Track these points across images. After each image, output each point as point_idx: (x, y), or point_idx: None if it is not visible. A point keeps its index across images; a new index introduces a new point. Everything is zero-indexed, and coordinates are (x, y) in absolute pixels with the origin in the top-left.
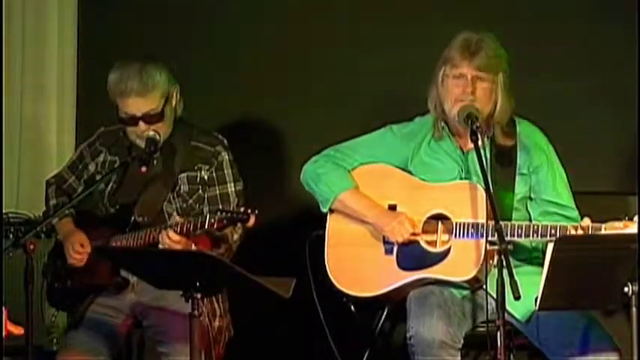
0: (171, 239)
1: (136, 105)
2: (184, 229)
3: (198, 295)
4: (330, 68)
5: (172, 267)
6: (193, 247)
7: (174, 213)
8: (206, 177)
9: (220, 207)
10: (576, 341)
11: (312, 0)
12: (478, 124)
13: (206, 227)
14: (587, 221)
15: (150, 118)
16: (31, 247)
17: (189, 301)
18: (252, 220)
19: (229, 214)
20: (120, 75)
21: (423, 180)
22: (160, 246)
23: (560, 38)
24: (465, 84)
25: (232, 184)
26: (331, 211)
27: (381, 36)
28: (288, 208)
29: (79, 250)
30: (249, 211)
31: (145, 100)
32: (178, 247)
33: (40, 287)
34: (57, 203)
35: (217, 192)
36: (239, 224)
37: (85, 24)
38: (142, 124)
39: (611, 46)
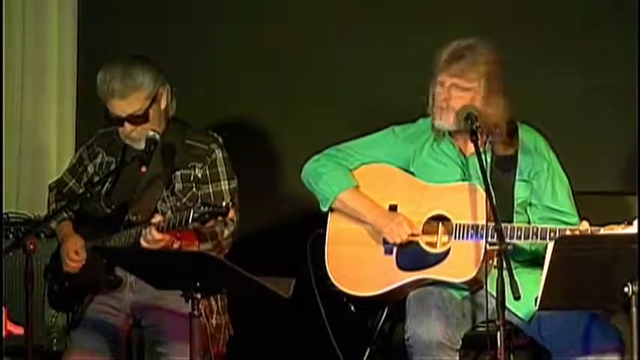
0: (153, 237)
1: (118, 106)
2: (167, 226)
3: (198, 296)
4: (329, 68)
5: (172, 267)
6: (176, 243)
7: (169, 212)
8: (200, 175)
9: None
10: (579, 340)
11: (312, 0)
12: (478, 124)
13: (190, 223)
14: (585, 225)
15: (134, 119)
16: (31, 247)
17: (189, 301)
18: (231, 213)
19: (208, 208)
20: (104, 76)
21: (425, 182)
22: (143, 244)
23: (561, 38)
24: (442, 92)
25: (226, 182)
26: (331, 210)
27: (381, 36)
28: (288, 207)
29: (73, 257)
30: (230, 204)
31: (127, 101)
32: (161, 244)
33: (43, 288)
34: (56, 207)
35: (210, 190)
36: (230, 222)
37: (85, 24)
38: (127, 124)
39: (612, 46)
